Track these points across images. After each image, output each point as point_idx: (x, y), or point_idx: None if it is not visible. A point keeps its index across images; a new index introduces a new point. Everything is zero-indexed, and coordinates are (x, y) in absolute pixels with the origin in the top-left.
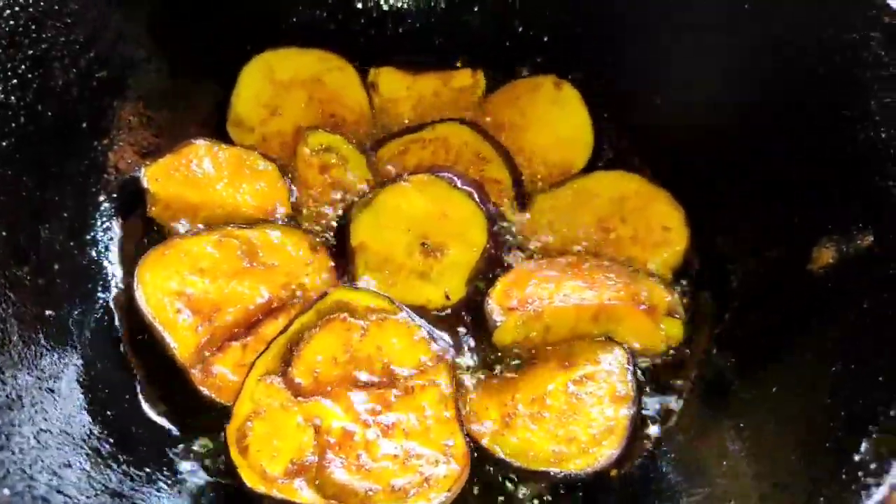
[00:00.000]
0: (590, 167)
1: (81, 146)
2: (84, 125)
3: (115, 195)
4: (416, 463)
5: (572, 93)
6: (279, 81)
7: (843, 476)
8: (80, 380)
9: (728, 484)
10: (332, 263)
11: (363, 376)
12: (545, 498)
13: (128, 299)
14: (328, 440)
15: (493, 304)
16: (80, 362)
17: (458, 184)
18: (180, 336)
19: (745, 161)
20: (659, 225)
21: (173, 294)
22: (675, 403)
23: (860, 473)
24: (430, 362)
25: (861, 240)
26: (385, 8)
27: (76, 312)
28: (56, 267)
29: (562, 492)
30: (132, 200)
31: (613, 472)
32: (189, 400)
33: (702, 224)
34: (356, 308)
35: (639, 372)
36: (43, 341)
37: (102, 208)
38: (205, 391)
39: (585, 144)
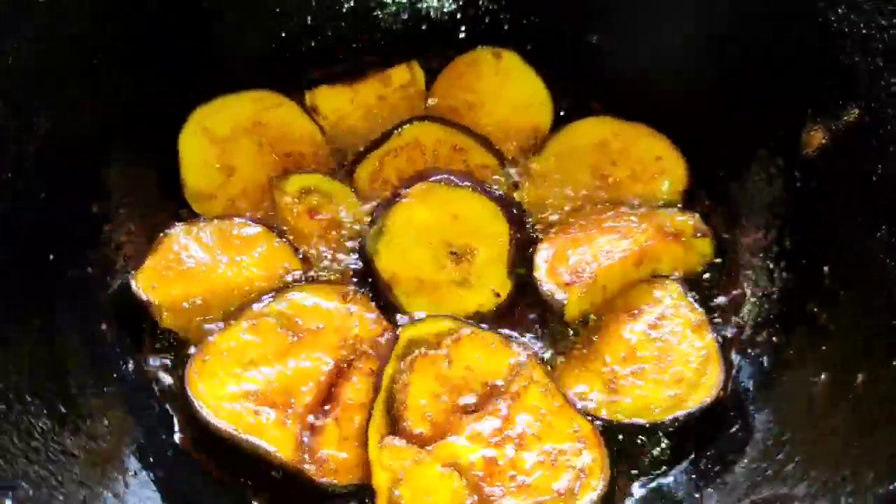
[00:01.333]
0: (558, 126)
1: (62, 287)
2: (50, 257)
3: (118, 322)
4: (562, 460)
5: (513, 58)
6: (220, 137)
7: None
8: None
9: (841, 369)
10: (372, 304)
11: (469, 400)
12: (679, 442)
13: (190, 423)
14: (476, 475)
15: (550, 286)
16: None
17: (456, 181)
18: (273, 438)
19: (708, 73)
20: (650, 157)
21: (240, 397)
22: (738, 317)
23: None
24: (517, 362)
25: (848, 114)
26: (293, 24)
27: (143, 452)
28: (106, 423)
29: (690, 431)
30: (138, 319)
31: (721, 394)
32: (313, 496)
33: (687, 144)
34: (429, 340)
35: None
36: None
37: (111, 339)
38: (325, 481)
39: (544, 104)
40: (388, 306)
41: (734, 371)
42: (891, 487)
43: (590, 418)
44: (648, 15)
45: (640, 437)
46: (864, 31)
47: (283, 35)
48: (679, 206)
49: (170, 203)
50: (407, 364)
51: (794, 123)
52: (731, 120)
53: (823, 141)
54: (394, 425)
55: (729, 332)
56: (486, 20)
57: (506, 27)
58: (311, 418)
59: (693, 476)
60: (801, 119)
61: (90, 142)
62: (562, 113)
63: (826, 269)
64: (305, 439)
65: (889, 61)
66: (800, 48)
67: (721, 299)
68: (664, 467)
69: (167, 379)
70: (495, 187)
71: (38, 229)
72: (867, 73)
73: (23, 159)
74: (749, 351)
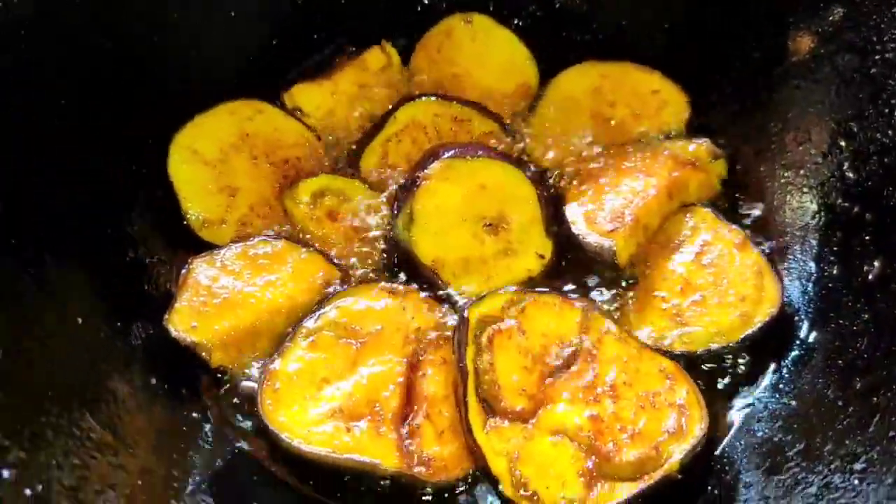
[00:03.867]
0: (543, 80)
1: (100, 351)
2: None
3: (166, 371)
4: (660, 401)
5: (484, 20)
6: (211, 159)
7: None
8: None
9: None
10: (422, 292)
11: (553, 365)
12: (757, 358)
13: (277, 453)
14: (587, 436)
15: (594, 236)
16: None
17: (470, 153)
18: (374, 450)
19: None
20: (646, 91)
21: (328, 418)
22: (772, 226)
23: None
24: (585, 317)
25: (831, 14)
26: (250, 26)
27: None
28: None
29: (763, 345)
30: (185, 363)
31: (783, 303)
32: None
33: (674, 74)
34: (497, 315)
35: None
36: None
37: (161, 392)
38: (440, 480)
39: (526, 59)
40: (437, 291)
41: (785, 280)
42: None
43: (668, 355)
44: None
45: (719, 362)
46: None
47: (244, 40)
48: (684, 135)
49: (179, 239)
50: (485, 344)
51: (776, 34)
52: (714, 40)
53: (812, 45)
54: (489, 408)
55: (768, 245)
56: None
57: None
58: (403, 422)
59: (781, 385)
60: (783, 27)
61: (88, 201)
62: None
63: (846, 164)
64: (407, 445)
65: None
66: None
67: (753, 215)
68: (751, 385)
69: (236, 414)
70: (502, 151)
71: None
72: None
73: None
74: (791, 257)
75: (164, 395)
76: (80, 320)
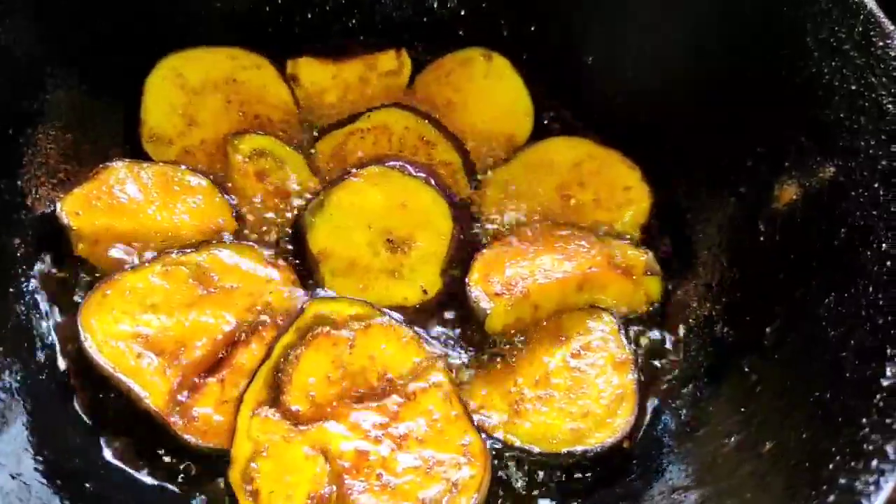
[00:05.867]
0: (534, 138)
1: None
2: None
3: (32, 238)
4: (438, 470)
5: (504, 63)
6: (191, 87)
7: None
8: (42, 458)
9: (753, 432)
10: (295, 276)
11: (361, 390)
12: (570, 480)
13: (76, 354)
14: (342, 465)
15: (479, 292)
16: (35, 439)
17: (412, 171)
18: (149, 383)
19: (691, 111)
20: (619, 185)
21: (128, 337)
22: (667, 362)
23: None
24: (425, 363)
25: (823, 172)
26: None
27: (17, 380)
28: None
29: (586, 471)
30: (55, 241)
31: (626, 444)
32: (174, 451)
33: (657, 179)
34: (337, 320)
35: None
36: None
37: (20, 254)
38: (190, 438)
39: (525, 114)
40: (311, 282)
41: (649, 418)
42: None
43: (484, 436)
44: (647, 51)
45: (533, 466)
46: (852, 88)
47: (280, 1)
48: (635, 240)
49: (127, 143)
50: (305, 339)
51: (769, 176)
52: (708, 164)
53: (795, 197)
54: (274, 398)
55: (655, 379)
56: (487, 23)
57: (505, 33)
58: (197, 374)
59: None
60: (777, 172)
61: (42, 62)
62: (545, 122)
63: (768, 329)
64: (183, 395)
65: (871, 121)
66: (788, 98)
67: (654, 343)
68: (548, 502)
69: (64, 302)
70: (448, 185)
71: None
72: (849, 132)
73: None
74: (670, 401)
75: (16, 259)
76: None
